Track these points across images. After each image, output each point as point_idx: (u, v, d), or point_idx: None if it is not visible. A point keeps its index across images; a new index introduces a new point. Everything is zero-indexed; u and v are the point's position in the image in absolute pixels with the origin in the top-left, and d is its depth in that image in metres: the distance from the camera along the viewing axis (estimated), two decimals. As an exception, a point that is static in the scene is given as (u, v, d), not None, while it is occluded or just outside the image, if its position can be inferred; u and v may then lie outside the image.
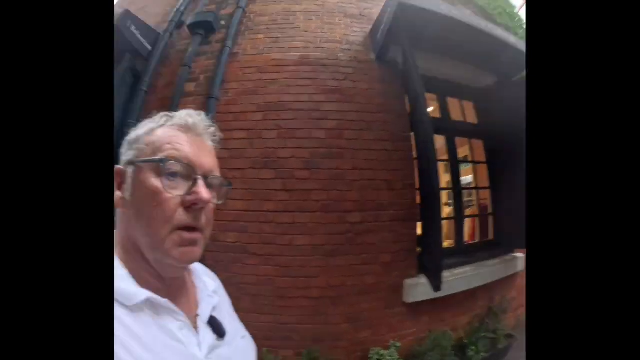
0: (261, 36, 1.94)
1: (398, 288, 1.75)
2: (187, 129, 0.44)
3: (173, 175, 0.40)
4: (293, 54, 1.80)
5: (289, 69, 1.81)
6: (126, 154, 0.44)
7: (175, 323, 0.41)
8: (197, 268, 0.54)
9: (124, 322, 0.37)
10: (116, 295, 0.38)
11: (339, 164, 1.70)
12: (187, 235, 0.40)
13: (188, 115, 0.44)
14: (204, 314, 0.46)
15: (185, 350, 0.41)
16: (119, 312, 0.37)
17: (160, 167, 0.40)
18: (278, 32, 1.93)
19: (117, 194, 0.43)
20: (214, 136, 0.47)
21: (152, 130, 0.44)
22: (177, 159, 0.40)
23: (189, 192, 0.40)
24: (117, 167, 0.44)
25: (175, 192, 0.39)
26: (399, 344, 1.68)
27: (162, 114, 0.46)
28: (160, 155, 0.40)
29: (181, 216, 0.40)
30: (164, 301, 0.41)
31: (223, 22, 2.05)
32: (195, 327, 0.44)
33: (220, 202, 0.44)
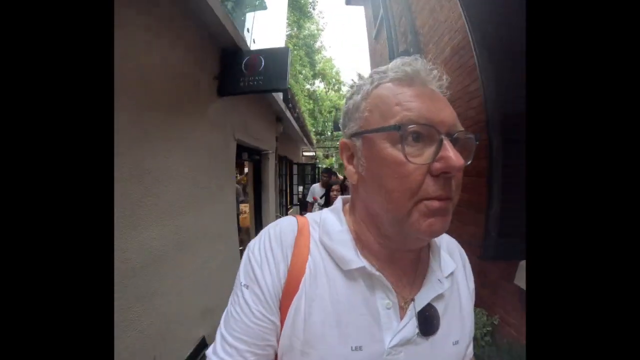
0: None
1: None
2: (410, 80, 0.36)
3: (414, 139, 0.33)
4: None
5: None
6: (349, 126, 0.40)
7: (383, 300, 0.38)
8: (441, 243, 0.46)
9: (333, 282, 0.38)
10: (335, 258, 0.39)
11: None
12: (435, 204, 0.33)
13: (404, 64, 0.37)
14: (420, 300, 0.39)
15: (375, 332, 0.37)
16: (333, 273, 0.38)
17: (396, 134, 0.33)
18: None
19: (350, 168, 0.40)
20: (440, 80, 0.38)
21: (368, 94, 0.38)
22: (413, 121, 0.33)
23: (436, 157, 0.33)
24: (342, 140, 0.41)
25: (419, 160, 0.33)
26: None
27: (371, 72, 0.40)
28: (392, 122, 0.34)
29: (429, 186, 0.33)
30: (377, 274, 0.38)
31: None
32: (404, 312, 0.39)
33: (469, 162, 0.35)
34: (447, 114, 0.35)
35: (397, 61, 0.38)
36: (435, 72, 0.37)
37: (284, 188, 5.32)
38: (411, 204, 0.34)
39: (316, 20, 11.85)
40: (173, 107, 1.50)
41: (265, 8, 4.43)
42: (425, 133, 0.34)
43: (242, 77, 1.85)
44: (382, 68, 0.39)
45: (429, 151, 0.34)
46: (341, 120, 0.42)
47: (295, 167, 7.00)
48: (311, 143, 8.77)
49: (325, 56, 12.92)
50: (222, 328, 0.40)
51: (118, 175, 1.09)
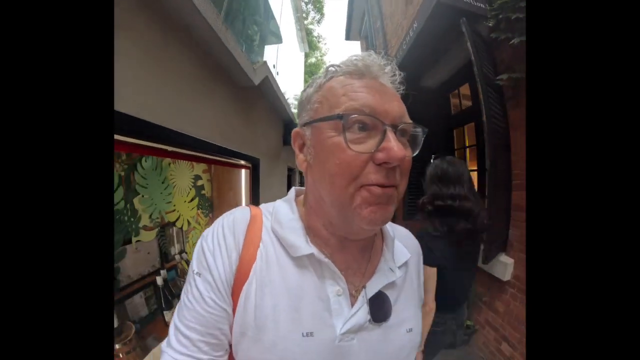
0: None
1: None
2: (360, 74, 0.38)
3: (359, 129, 0.35)
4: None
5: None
6: (301, 116, 0.41)
7: (333, 287, 0.39)
8: (395, 232, 0.48)
9: (284, 269, 0.39)
10: (285, 245, 0.40)
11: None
12: (378, 190, 0.34)
13: (357, 59, 0.38)
14: (371, 287, 0.41)
15: (326, 318, 0.38)
16: (284, 260, 0.39)
17: (340, 123, 0.35)
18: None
19: (300, 156, 0.41)
20: (393, 75, 0.39)
21: (320, 86, 0.39)
22: (357, 111, 0.34)
23: (379, 147, 0.34)
24: (295, 130, 0.42)
25: (361, 148, 0.34)
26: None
27: (327, 65, 0.41)
28: (337, 111, 0.35)
29: (371, 174, 0.34)
30: (326, 261, 0.39)
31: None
32: (355, 299, 0.40)
33: (415, 154, 0.37)
34: (392, 106, 0.36)
35: (351, 56, 0.39)
36: (388, 67, 0.39)
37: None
38: (352, 188, 0.34)
39: (320, 47, 13.99)
40: (269, 153, 3.43)
41: (281, 41, 5.50)
42: (369, 123, 0.35)
43: (295, 137, 3.87)
44: (338, 62, 0.40)
45: (373, 141, 0.35)
46: (297, 112, 0.44)
47: (305, 176, 8.99)
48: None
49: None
50: (175, 319, 0.39)
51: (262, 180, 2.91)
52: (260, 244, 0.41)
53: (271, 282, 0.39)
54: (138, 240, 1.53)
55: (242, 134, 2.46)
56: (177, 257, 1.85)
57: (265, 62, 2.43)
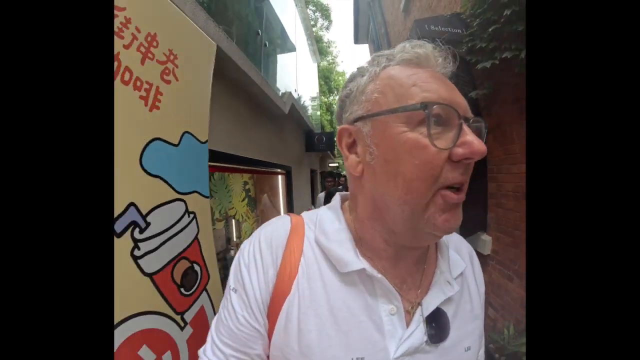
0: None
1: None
2: (418, 62, 0.35)
3: (435, 122, 0.31)
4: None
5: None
6: (351, 110, 0.37)
7: (387, 305, 0.36)
8: (449, 241, 0.44)
9: (329, 287, 0.35)
10: (332, 259, 0.36)
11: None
12: (454, 198, 0.32)
13: (416, 46, 0.35)
14: (428, 304, 0.37)
15: (378, 341, 0.35)
16: (329, 277, 0.36)
17: (417, 115, 0.31)
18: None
19: (352, 158, 0.37)
20: (445, 68, 0.36)
21: (376, 75, 0.36)
22: (435, 102, 0.31)
23: (457, 142, 0.31)
24: (342, 127, 0.38)
25: (442, 144, 0.31)
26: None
27: (373, 55, 0.38)
28: (411, 102, 0.32)
29: (449, 173, 0.31)
30: (379, 277, 0.35)
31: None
32: (410, 317, 0.37)
33: None
34: (461, 98, 0.33)
35: (406, 44, 0.36)
36: (441, 59, 0.36)
37: (321, 190, 8.08)
38: (431, 192, 0.32)
39: (331, 52, 14.57)
40: (295, 160, 4.18)
41: (294, 50, 5.46)
42: (445, 116, 0.32)
43: (315, 144, 4.65)
44: (387, 52, 0.37)
45: (449, 135, 0.32)
46: (338, 107, 0.40)
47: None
48: (334, 155, 11.34)
49: (338, 71, 14.93)
50: (212, 329, 0.39)
51: (295, 182, 3.70)
52: (302, 259, 0.38)
53: (315, 302, 0.35)
54: (214, 229, 2.31)
55: (278, 149, 3.33)
56: (237, 240, 2.64)
57: (290, 93, 3.30)
